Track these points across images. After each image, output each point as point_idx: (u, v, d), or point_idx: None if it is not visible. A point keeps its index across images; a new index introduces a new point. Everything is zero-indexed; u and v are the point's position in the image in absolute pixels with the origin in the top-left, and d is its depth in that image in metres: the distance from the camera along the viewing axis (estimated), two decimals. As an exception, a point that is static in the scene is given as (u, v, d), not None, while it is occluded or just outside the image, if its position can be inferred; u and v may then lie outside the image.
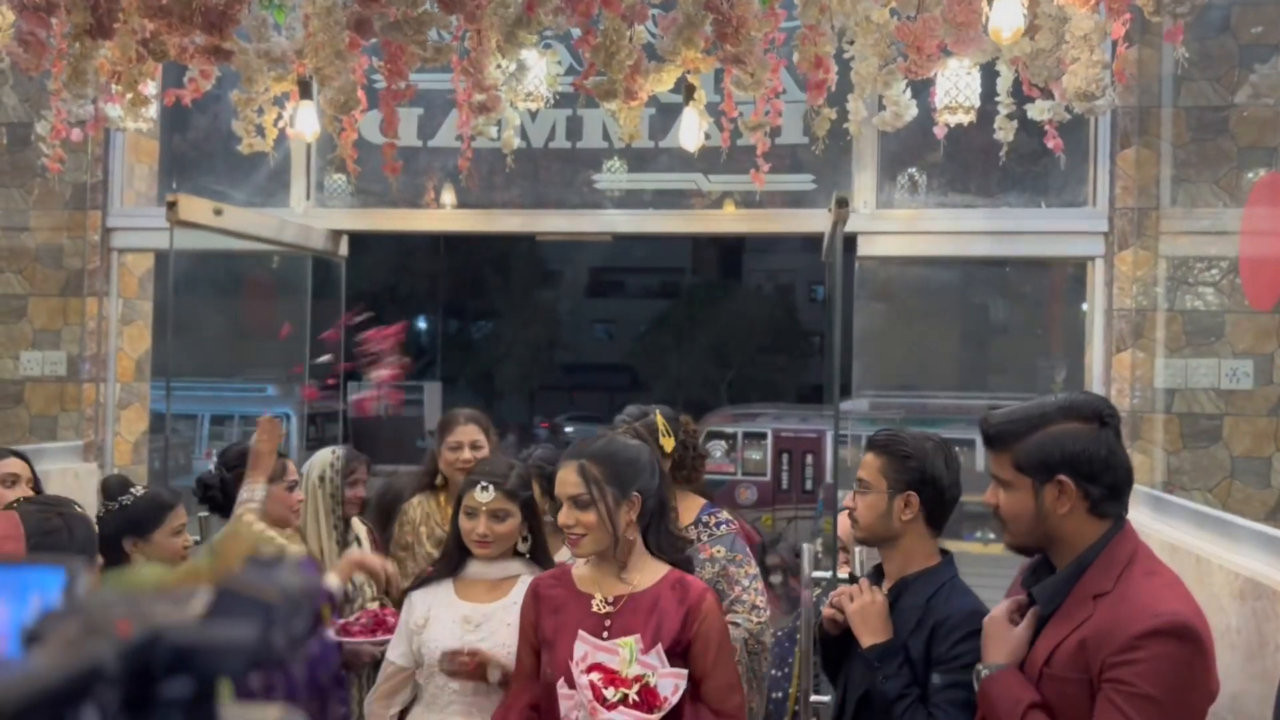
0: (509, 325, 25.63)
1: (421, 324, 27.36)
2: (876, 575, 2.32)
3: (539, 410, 25.41)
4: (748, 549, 2.88)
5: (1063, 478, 1.79)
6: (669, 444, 2.82)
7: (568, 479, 2.14)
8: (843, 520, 3.63)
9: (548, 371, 25.89)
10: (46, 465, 4.36)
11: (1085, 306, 4.23)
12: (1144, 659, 1.67)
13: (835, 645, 2.30)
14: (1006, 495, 1.86)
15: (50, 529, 2.07)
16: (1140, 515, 3.67)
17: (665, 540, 2.21)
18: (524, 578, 2.44)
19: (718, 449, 12.05)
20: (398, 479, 3.67)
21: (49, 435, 4.82)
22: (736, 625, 2.73)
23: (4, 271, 4.92)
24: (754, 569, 2.85)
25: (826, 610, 2.27)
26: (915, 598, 2.19)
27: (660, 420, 2.87)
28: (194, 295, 5.44)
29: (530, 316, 25.44)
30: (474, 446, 3.28)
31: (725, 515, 2.91)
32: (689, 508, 2.89)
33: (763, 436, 12.40)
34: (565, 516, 2.13)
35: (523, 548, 2.48)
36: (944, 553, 2.29)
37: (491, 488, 2.39)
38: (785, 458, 12.23)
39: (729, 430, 12.63)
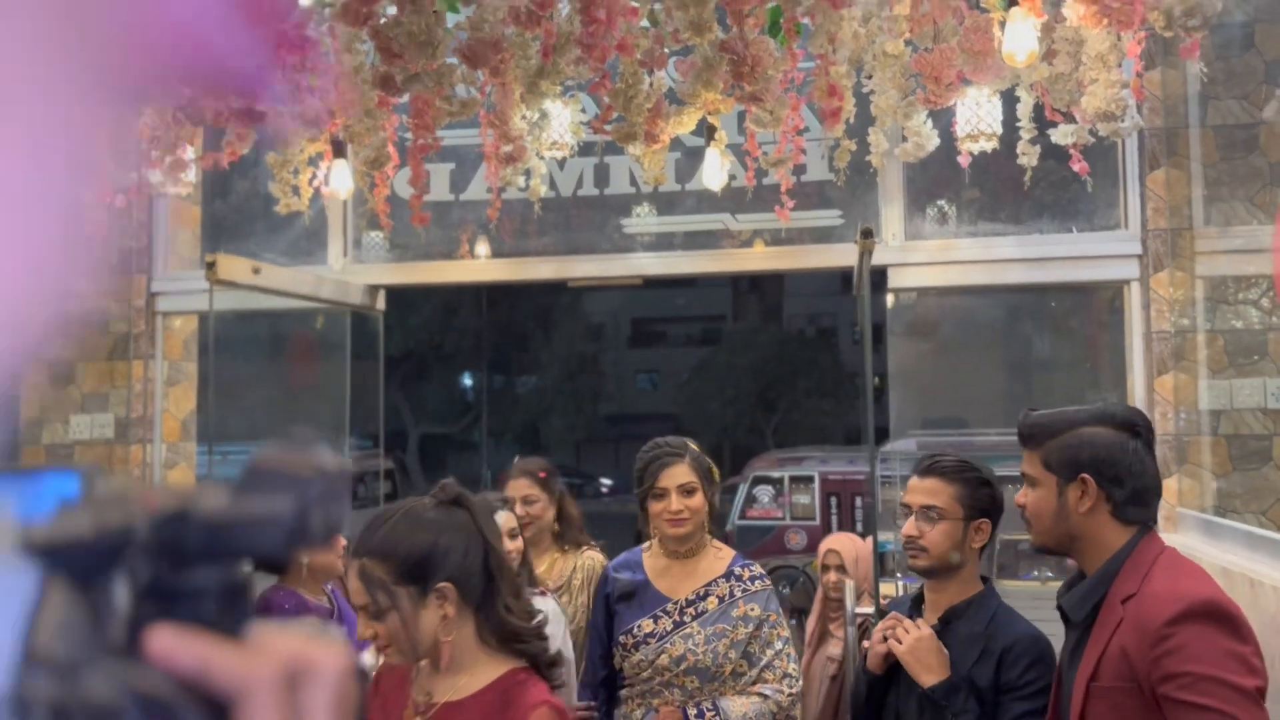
0: (553, 378, 25.78)
1: (467, 380, 27.61)
2: (915, 608, 2.29)
3: (585, 462, 25.42)
4: (780, 606, 2.68)
5: (1086, 477, 1.84)
6: (715, 473, 2.64)
7: (353, 584, 1.70)
8: (840, 544, 3.61)
9: (593, 423, 25.95)
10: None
11: (1128, 343, 4.18)
12: (1182, 642, 1.66)
13: (879, 684, 2.26)
14: (1033, 493, 1.91)
15: None
16: (1191, 539, 3.58)
17: (498, 630, 1.70)
18: None
19: (765, 494, 11.97)
20: None
21: None
22: (765, 697, 2.52)
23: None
24: (787, 631, 2.63)
25: (878, 648, 2.22)
26: (972, 625, 2.18)
27: (695, 448, 2.66)
28: (236, 355, 5.55)
29: (574, 369, 25.58)
30: (526, 502, 3.13)
31: (759, 569, 2.68)
32: (719, 556, 2.67)
33: (810, 480, 12.29)
34: (362, 628, 1.69)
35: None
36: (984, 579, 2.27)
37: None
38: (833, 500, 12.10)
39: (775, 475, 12.53)
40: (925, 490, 2.24)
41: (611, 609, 2.64)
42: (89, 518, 0.39)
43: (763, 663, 2.54)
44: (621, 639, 2.57)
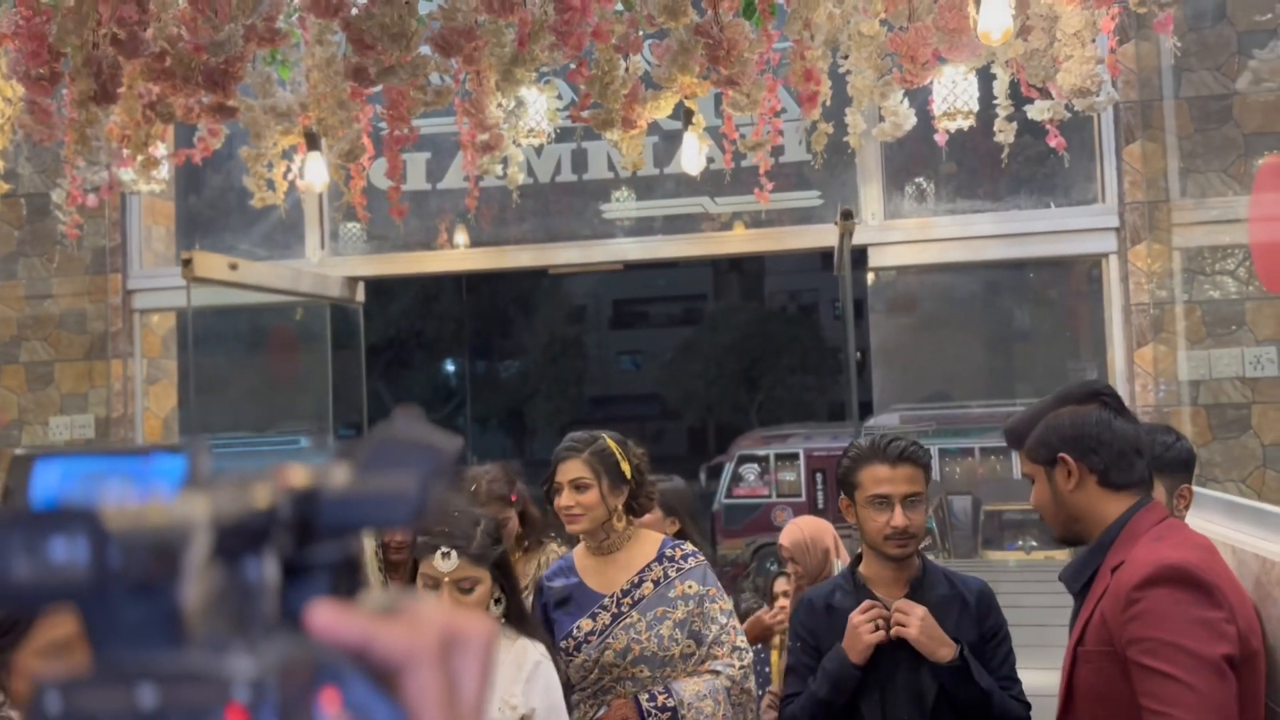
0: (536, 363, 25.75)
1: (449, 367, 27.54)
2: (860, 591, 2.28)
3: (570, 445, 25.33)
4: (717, 579, 2.59)
5: (1063, 455, 1.88)
6: (628, 469, 2.55)
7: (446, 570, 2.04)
8: (786, 535, 3.58)
9: (577, 406, 25.93)
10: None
11: (1108, 314, 4.20)
12: (1147, 607, 1.68)
13: (856, 674, 2.20)
14: (1034, 490, 1.95)
15: None
16: (1173, 511, 3.62)
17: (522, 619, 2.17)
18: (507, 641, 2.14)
19: (751, 473, 12.01)
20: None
21: None
22: (716, 673, 2.47)
23: (30, 339, 5.01)
24: (729, 603, 2.57)
25: (867, 638, 2.16)
26: (937, 588, 2.24)
27: (612, 444, 2.59)
28: (217, 351, 5.51)
29: (556, 353, 25.54)
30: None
31: (689, 546, 2.64)
32: (647, 543, 2.62)
33: (795, 457, 12.33)
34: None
35: (495, 610, 2.13)
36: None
37: (454, 554, 2.04)
38: (819, 477, 12.15)
39: (761, 453, 12.57)
40: (906, 479, 2.25)
41: (550, 618, 2.56)
42: (233, 495, 0.39)
43: (709, 638, 2.48)
44: (563, 644, 2.49)
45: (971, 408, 10.60)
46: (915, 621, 2.13)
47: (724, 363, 22.58)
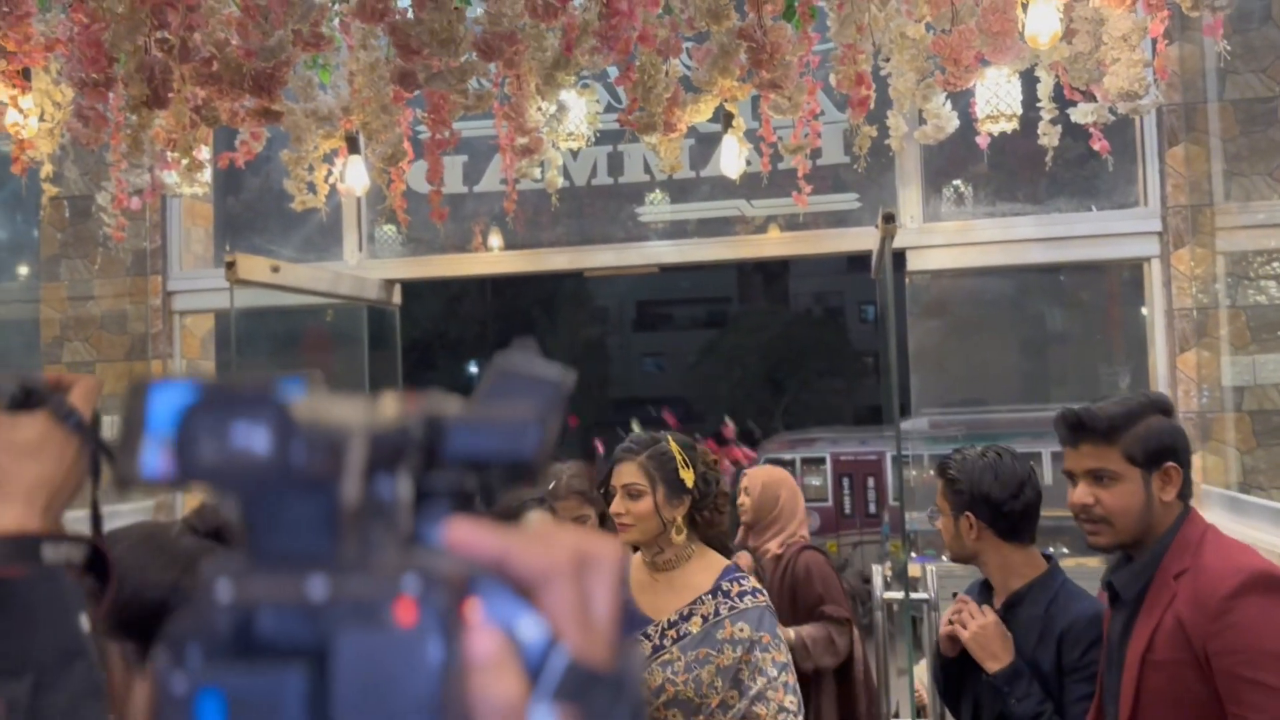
0: (559, 363, 25.81)
1: (473, 368, 27.64)
2: (984, 593, 2.32)
3: (593, 448, 25.41)
4: (777, 625, 2.29)
5: (1171, 465, 1.87)
6: (690, 477, 2.30)
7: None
8: (749, 476, 3.60)
9: (600, 408, 25.97)
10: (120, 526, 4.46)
11: (1145, 309, 4.17)
12: (1243, 617, 1.68)
13: (954, 667, 2.30)
14: (1113, 489, 1.88)
15: None
16: (1217, 516, 3.58)
17: None
18: None
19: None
20: None
21: (122, 497, 4.92)
22: None
23: (72, 340, 5.07)
24: (785, 655, 2.25)
25: (944, 631, 2.27)
26: (1033, 608, 2.22)
27: (675, 447, 2.33)
28: (255, 352, 5.56)
29: (580, 354, 25.59)
30: (577, 523, 2.88)
31: (753, 582, 2.32)
32: (707, 568, 2.33)
33: (821, 461, 12.29)
34: None
35: None
36: (1048, 558, 2.29)
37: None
38: (846, 482, 12.10)
39: (787, 457, 12.53)
40: (938, 490, 2.32)
41: None
42: (376, 410, 0.39)
43: (753, 692, 2.18)
44: None
45: (1003, 411, 10.54)
46: (973, 626, 2.16)
47: (748, 365, 22.55)
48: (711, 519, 2.35)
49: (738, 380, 22.75)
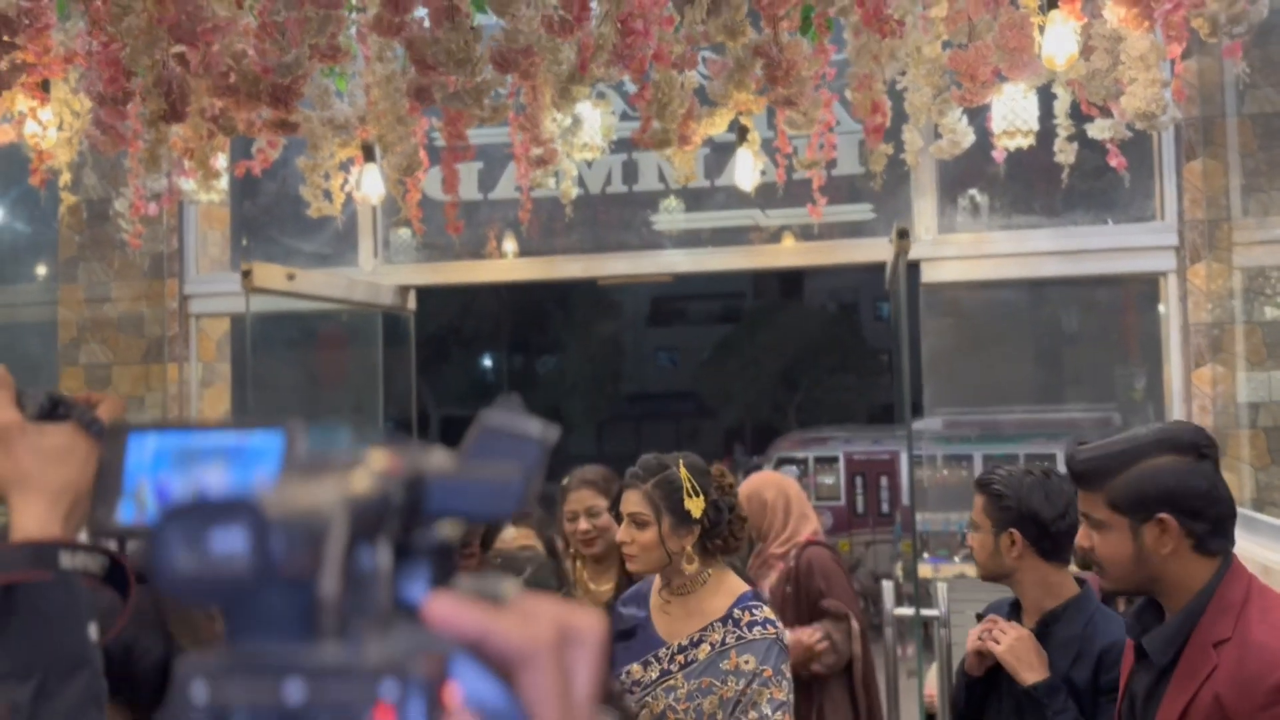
0: (573, 359, 25.82)
1: (486, 361, 27.69)
2: (1013, 611, 2.31)
3: (606, 442, 25.46)
4: (786, 662, 2.19)
5: (1164, 515, 1.68)
6: (697, 507, 2.22)
7: None
8: (742, 490, 3.53)
9: (614, 403, 25.98)
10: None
11: (1161, 308, 4.14)
12: None
13: (979, 686, 2.28)
14: (1102, 537, 1.75)
15: None
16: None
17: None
18: None
19: (789, 474, 11.97)
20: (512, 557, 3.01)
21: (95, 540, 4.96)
22: None
23: (89, 341, 5.11)
24: (785, 693, 2.14)
25: (973, 646, 2.23)
26: (1069, 628, 2.21)
27: (684, 474, 2.24)
28: (269, 352, 5.59)
29: (594, 349, 25.60)
30: (590, 514, 2.89)
31: (767, 612, 2.23)
32: (723, 593, 2.26)
33: (834, 460, 12.28)
34: None
35: None
36: (1080, 582, 2.28)
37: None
38: (859, 481, 12.09)
39: (800, 455, 12.52)
40: (974, 503, 2.28)
41: (612, 648, 2.31)
42: (355, 479, 0.39)
43: None
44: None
45: (1016, 412, 10.50)
46: (1007, 640, 2.13)
47: (762, 362, 22.52)
48: (727, 545, 2.28)
49: (751, 376, 22.72)
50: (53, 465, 0.97)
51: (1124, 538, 1.73)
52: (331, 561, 0.35)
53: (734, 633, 2.19)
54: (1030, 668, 2.10)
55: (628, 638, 2.28)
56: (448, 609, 0.39)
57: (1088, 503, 1.79)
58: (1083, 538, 1.82)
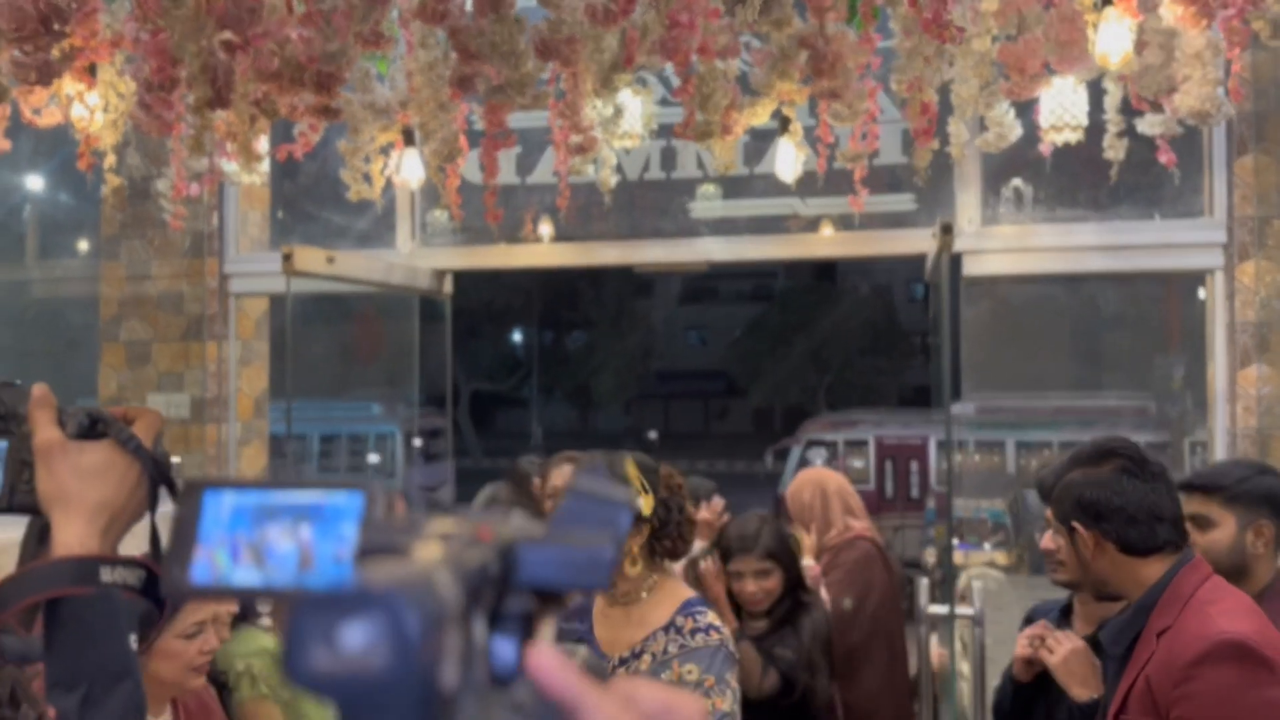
0: (603, 336, 25.84)
1: (517, 336, 27.75)
2: (1063, 618, 2.28)
3: (635, 419, 25.48)
4: (732, 670, 2.07)
5: (1075, 524, 1.85)
6: (646, 504, 2.10)
7: None
8: (789, 495, 3.55)
9: (643, 381, 25.99)
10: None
11: (1203, 296, 4.07)
12: (1200, 688, 1.61)
13: (1026, 691, 2.25)
14: (1060, 540, 1.97)
15: None
16: None
17: None
18: None
19: (818, 458, 11.94)
20: None
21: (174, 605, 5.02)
22: None
23: (130, 318, 5.16)
24: (729, 704, 2.02)
25: (1023, 652, 2.21)
26: (1124, 642, 2.19)
27: (633, 470, 2.11)
28: (307, 331, 5.63)
29: (624, 326, 25.60)
30: None
31: (711, 618, 2.11)
32: (667, 600, 2.14)
33: (864, 444, 12.24)
34: None
35: None
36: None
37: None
38: (889, 465, 12.04)
39: (829, 438, 12.50)
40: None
41: None
42: (459, 552, 0.39)
43: None
44: None
45: (1051, 398, 10.40)
46: (1061, 653, 2.10)
47: (793, 342, 22.44)
48: (675, 548, 2.17)
49: (782, 356, 22.65)
50: (92, 483, 1.00)
51: (1068, 545, 1.91)
52: (453, 648, 0.35)
53: (677, 641, 2.08)
54: (1082, 682, 2.07)
55: None
56: (551, 666, 0.38)
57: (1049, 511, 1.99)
58: (1047, 540, 2.01)
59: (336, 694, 0.34)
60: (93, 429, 1.02)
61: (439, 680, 0.35)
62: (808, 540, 3.44)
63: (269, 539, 0.44)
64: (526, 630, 0.42)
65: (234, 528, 0.45)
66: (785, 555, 2.96)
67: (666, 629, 2.09)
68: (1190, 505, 2.07)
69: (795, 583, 2.98)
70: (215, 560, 0.46)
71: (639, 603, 2.14)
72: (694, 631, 2.07)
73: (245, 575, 0.44)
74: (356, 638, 0.34)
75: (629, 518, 0.44)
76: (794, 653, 2.85)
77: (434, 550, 0.38)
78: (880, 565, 3.39)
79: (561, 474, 2.82)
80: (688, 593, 2.18)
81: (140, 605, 1.01)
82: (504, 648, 0.41)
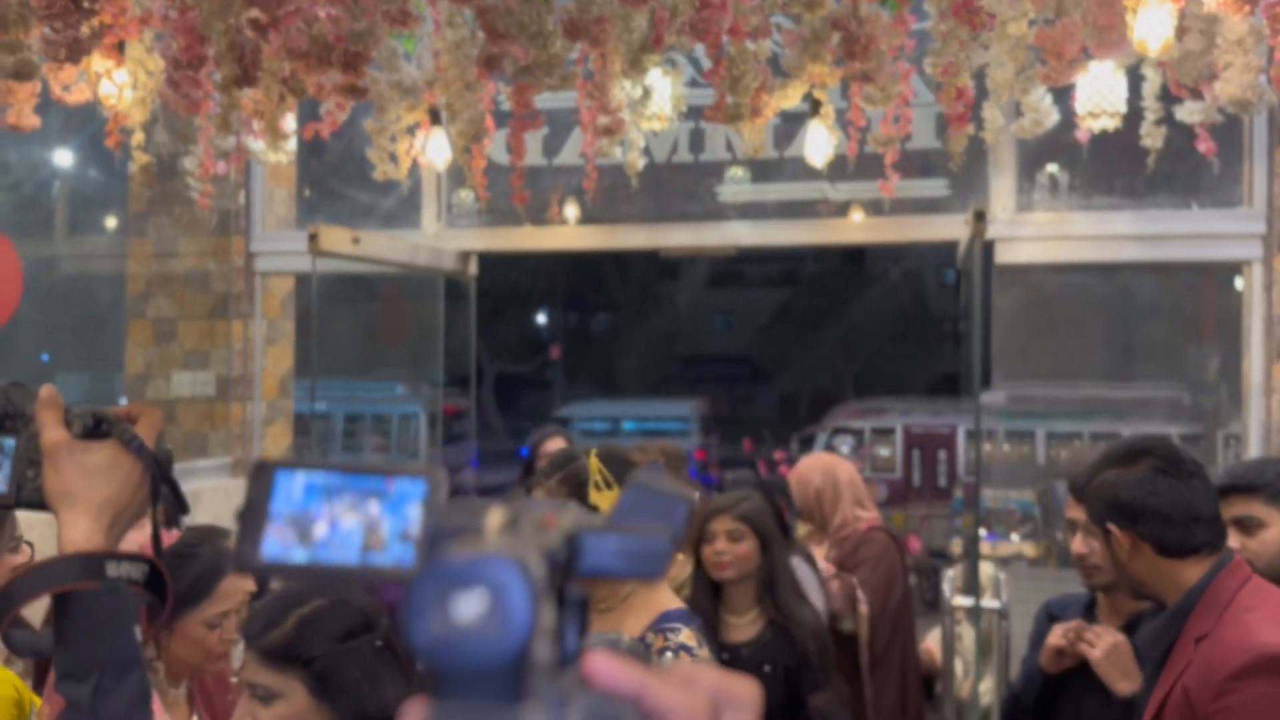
0: (628, 318, 25.80)
1: (541, 318, 27.78)
2: (1088, 613, 2.25)
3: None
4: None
5: (1110, 526, 1.80)
6: (605, 500, 1.94)
7: None
8: (791, 481, 3.42)
9: (668, 364, 25.94)
10: (198, 483, 4.59)
11: (1239, 286, 3.99)
12: (1239, 702, 1.58)
13: (1055, 683, 2.21)
14: (1094, 543, 1.96)
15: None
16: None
17: None
18: None
19: (845, 445, 11.89)
20: None
21: (200, 453, 5.07)
22: None
23: (156, 295, 5.18)
24: None
25: (1054, 644, 2.17)
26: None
27: (594, 464, 1.95)
28: (332, 310, 5.65)
29: (649, 309, 25.54)
30: None
31: (684, 637, 1.93)
32: (644, 611, 1.97)
33: (891, 432, 12.17)
34: None
35: None
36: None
37: None
38: (916, 454, 11.97)
39: (856, 426, 12.43)
40: (1076, 506, 2.21)
41: None
42: (532, 537, 0.40)
43: None
44: None
45: (1084, 388, 10.28)
46: (1103, 646, 2.07)
47: (821, 327, 22.31)
48: None
49: (809, 342, 22.54)
50: (97, 481, 1.04)
51: (1104, 546, 1.86)
52: (544, 622, 0.37)
53: (648, 657, 1.85)
54: (1126, 675, 2.03)
55: None
56: (610, 667, 0.39)
57: (1074, 510, 1.97)
58: (1078, 544, 1.99)
59: (448, 660, 0.36)
60: (97, 429, 1.06)
61: (535, 653, 0.37)
62: (803, 530, 3.39)
63: (338, 517, 0.46)
64: (584, 617, 0.44)
65: (305, 506, 0.46)
66: (762, 525, 2.75)
67: (641, 642, 1.93)
68: (1233, 508, 2.01)
69: (772, 569, 2.74)
70: (285, 537, 0.46)
71: (616, 612, 1.99)
72: (661, 651, 1.90)
73: (314, 552, 0.46)
74: (472, 606, 0.36)
75: (686, 512, 0.46)
76: (791, 662, 2.68)
77: (512, 533, 0.40)
78: (896, 557, 3.34)
79: (555, 443, 2.90)
80: (668, 603, 2.00)
81: (144, 598, 1.06)
82: (568, 633, 0.42)
